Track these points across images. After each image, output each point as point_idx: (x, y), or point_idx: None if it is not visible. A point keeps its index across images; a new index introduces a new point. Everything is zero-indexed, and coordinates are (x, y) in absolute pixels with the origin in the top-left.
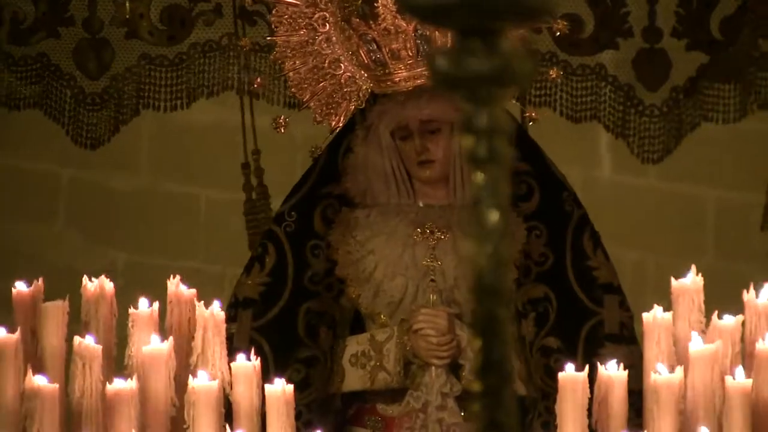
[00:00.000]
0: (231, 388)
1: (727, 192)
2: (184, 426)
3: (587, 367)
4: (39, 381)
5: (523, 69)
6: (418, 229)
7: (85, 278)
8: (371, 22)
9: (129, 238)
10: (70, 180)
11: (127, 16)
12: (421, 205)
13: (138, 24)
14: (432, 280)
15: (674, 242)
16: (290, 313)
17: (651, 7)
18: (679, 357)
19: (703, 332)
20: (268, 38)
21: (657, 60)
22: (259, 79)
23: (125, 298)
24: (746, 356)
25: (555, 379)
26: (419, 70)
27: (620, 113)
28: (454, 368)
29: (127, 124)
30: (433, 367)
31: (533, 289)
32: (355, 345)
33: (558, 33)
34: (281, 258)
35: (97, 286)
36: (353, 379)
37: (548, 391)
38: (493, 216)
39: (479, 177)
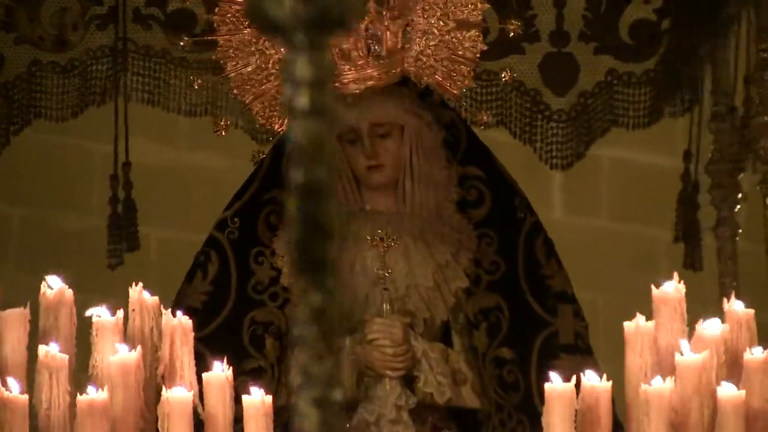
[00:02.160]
0: (199, 400)
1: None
2: None
3: (573, 377)
4: (10, 391)
5: (347, 14)
6: (368, 237)
7: (44, 285)
8: None
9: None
10: None
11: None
12: (369, 211)
13: (29, 29)
14: (385, 289)
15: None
16: (234, 323)
17: (558, 11)
18: (662, 367)
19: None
20: (210, 37)
21: (564, 64)
22: (199, 81)
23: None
24: (728, 366)
25: (508, 391)
26: (369, 71)
27: (527, 119)
28: (408, 380)
29: (18, 135)
30: (387, 379)
31: (484, 299)
32: None
33: (512, 33)
34: (224, 266)
35: (57, 293)
36: None
37: (502, 404)
38: (315, 172)
39: (297, 129)
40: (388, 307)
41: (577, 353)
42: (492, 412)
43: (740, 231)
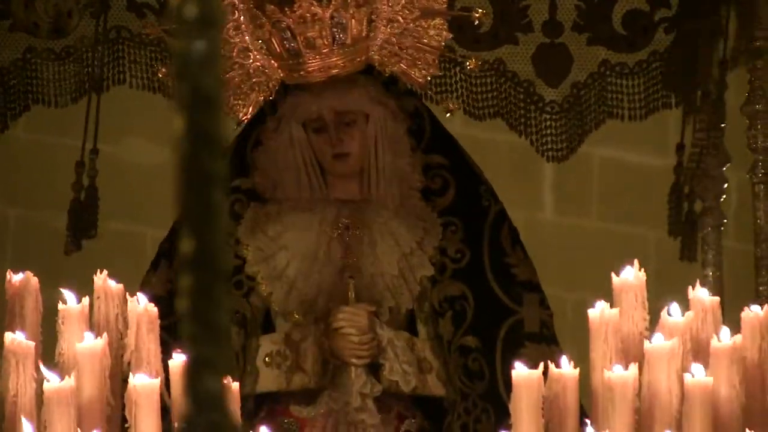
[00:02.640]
0: (165, 387)
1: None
2: (126, 425)
3: (541, 365)
4: None
5: None
6: (333, 225)
7: (9, 272)
8: (286, 9)
9: None
10: None
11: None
12: (334, 199)
13: (24, 15)
14: (350, 277)
15: None
16: None
17: (551, 1)
18: (625, 355)
19: (646, 329)
20: (172, 27)
21: (557, 55)
22: (164, 69)
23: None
24: (693, 353)
25: (473, 380)
26: (334, 59)
27: (521, 110)
28: (373, 368)
29: (16, 120)
30: (353, 367)
31: (449, 287)
32: (269, 344)
33: (476, 22)
34: None
35: (22, 280)
36: (268, 380)
37: (467, 392)
38: (203, 83)
39: (185, 39)
40: (353, 296)
41: (542, 342)
42: (457, 401)
43: (725, 221)
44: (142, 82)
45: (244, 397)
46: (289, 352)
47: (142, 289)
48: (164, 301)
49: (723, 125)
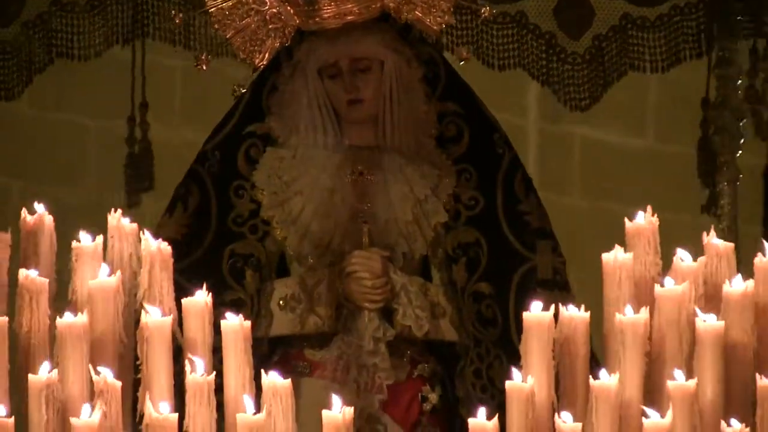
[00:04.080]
0: (178, 326)
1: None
2: (137, 362)
3: (552, 306)
4: None
5: None
6: (348, 170)
7: (24, 211)
8: None
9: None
10: None
11: None
12: (349, 145)
13: None
14: (364, 222)
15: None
16: (214, 255)
17: None
18: (638, 299)
19: (659, 274)
20: None
21: (579, 8)
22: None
23: None
24: (707, 299)
25: (486, 326)
26: (349, 6)
27: (543, 61)
28: (386, 313)
29: (41, 74)
30: (366, 312)
31: (463, 234)
32: (283, 288)
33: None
34: (204, 199)
35: (36, 218)
36: (282, 323)
37: (480, 338)
38: None
39: None
40: (367, 241)
41: (555, 288)
42: (470, 346)
43: (741, 176)
44: (165, 34)
45: (258, 340)
46: (303, 295)
47: (158, 233)
48: (179, 245)
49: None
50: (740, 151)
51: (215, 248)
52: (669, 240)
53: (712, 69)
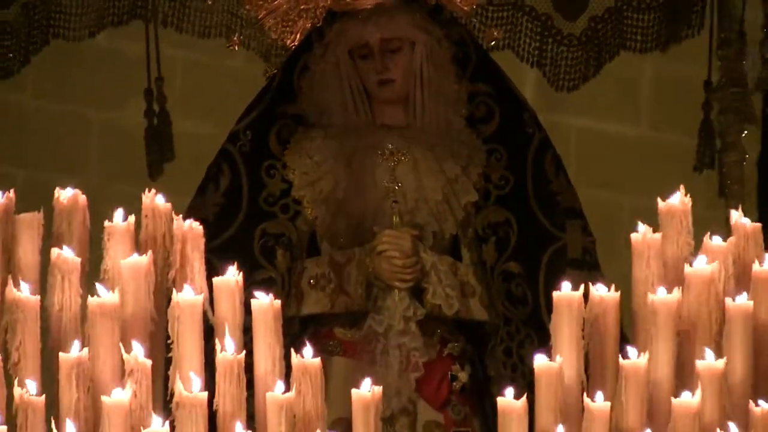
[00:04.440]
0: (209, 305)
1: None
2: (168, 342)
3: (582, 286)
4: (21, 292)
5: None
6: (378, 150)
7: (57, 190)
8: None
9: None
10: None
11: None
12: (379, 125)
13: None
14: (394, 202)
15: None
16: (245, 235)
17: None
18: (668, 279)
19: (691, 254)
20: None
21: None
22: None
23: None
24: (736, 278)
25: (516, 305)
26: None
27: (537, 42)
28: (416, 292)
29: (36, 54)
30: (396, 291)
31: (493, 213)
32: (314, 267)
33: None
34: (236, 178)
35: (70, 197)
36: (312, 302)
37: (510, 317)
38: None
39: None
40: (398, 220)
41: (584, 268)
42: (500, 325)
43: (747, 156)
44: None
45: (289, 319)
46: (333, 275)
47: (189, 213)
48: (211, 225)
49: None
50: (745, 132)
51: (246, 228)
52: None
53: (715, 51)
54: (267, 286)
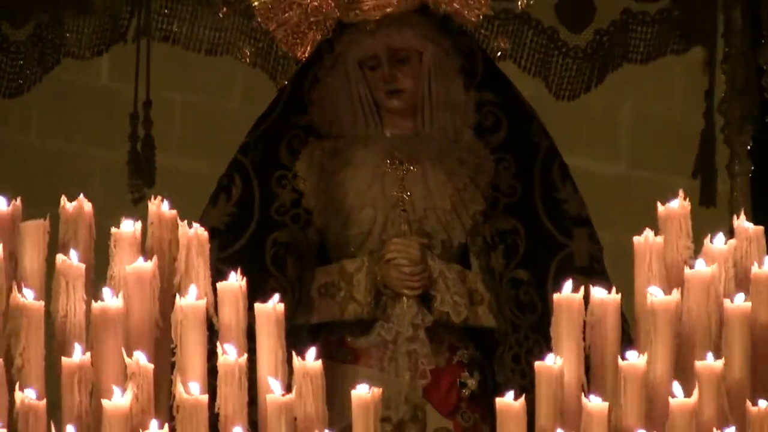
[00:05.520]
0: (215, 310)
1: None
2: (171, 345)
3: (582, 288)
4: (25, 298)
5: None
6: (387, 160)
7: (63, 198)
8: None
9: None
10: None
11: None
12: (388, 135)
13: None
14: (403, 211)
15: None
16: (257, 244)
17: None
18: (668, 282)
19: (690, 258)
20: None
21: (581, 3)
22: (225, 8)
23: None
24: (738, 281)
25: (525, 312)
26: None
27: (541, 54)
28: (425, 299)
29: (48, 73)
30: (405, 298)
31: (502, 221)
32: (323, 276)
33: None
34: (247, 188)
35: (76, 206)
36: (322, 310)
37: (518, 324)
38: None
39: None
40: (406, 228)
41: (592, 275)
42: (509, 332)
43: (752, 168)
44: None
45: (299, 327)
46: (342, 283)
47: (201, 222)
48: (222, 235)
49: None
50: (750, 144)
51: (258, 237)
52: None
53: (720, 63)
54: (278, 294)
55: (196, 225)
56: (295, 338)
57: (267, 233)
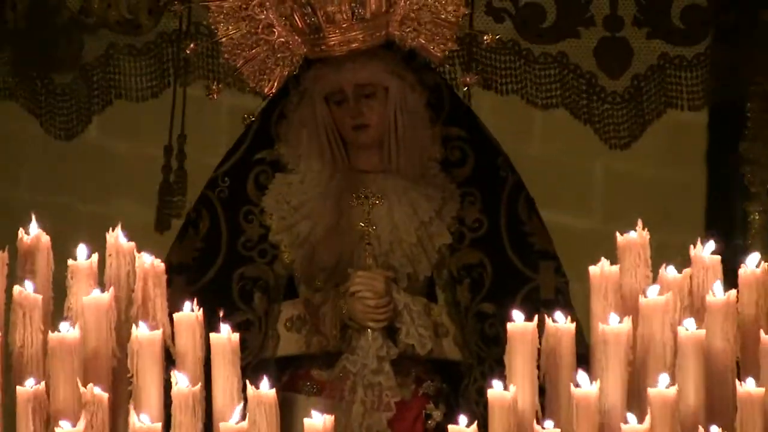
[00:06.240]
0: (172, 341)
1: None
2: (128, 375)
3: (536, 317)
4: None
5: None
6: (353, 195)
7: (21, 231)
8: None
9: None
10: None
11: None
12: (355, 170)
13: (106, 14)
14: (368, 244)
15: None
16: (224, 278)
17: None
18: (626, 311)
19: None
20: (201, 2)
21: (618, 48)
22: (192, 45)
23: None
24: (693, 311)
25: (490, 345)
26: (354, 33)
27: (584, 101)
28: (390, 332)
29: (99, 114)
30: (370, 331)
31: (468, 255)
32: (290, 309)
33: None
34: (215, 223)
35: (34, 238)
36: (289, 344)
37: (483, 356)
38: None
39: None
40: (372, 262)
41: (557, 308)
42: (474, 365)
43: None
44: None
45: (266, 361)
46: (308, 316)
47: (169, 257)
48: (190, 269)
49: None
50: None
51: (225, 272)
52: None
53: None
54: (244, 328)
55: (152, 257)
56: (262, 372)
57: (234, 268)
